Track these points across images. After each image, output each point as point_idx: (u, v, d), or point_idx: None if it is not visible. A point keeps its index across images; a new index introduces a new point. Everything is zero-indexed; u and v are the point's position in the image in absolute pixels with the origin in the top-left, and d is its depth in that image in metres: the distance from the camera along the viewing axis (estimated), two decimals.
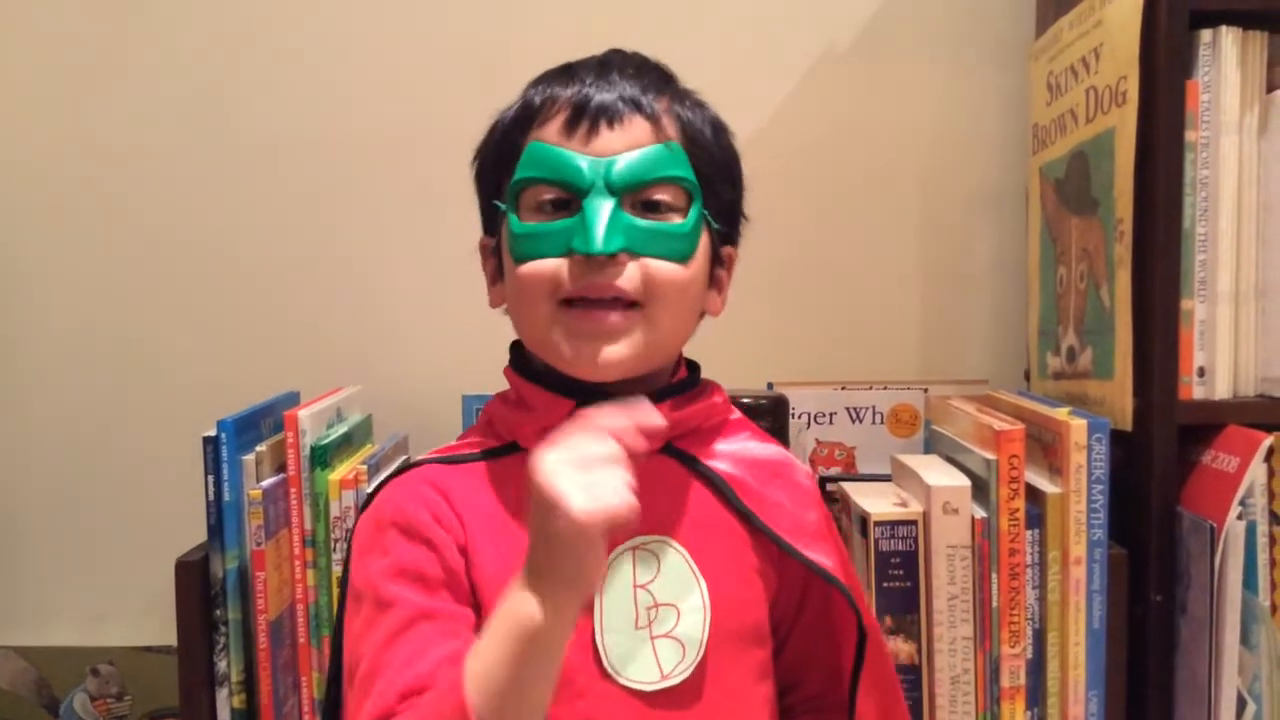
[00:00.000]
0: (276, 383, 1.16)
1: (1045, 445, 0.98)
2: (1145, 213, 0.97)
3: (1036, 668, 0.95)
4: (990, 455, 0.94)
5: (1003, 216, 1.32)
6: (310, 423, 1.03)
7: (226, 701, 1.00)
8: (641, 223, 0.75)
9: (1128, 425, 0.99)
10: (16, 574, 1.36)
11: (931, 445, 1.13)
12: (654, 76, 0.80)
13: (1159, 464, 0.97)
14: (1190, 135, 0.97)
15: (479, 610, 0.74)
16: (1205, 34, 0.97)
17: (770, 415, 1.05)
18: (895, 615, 0.94)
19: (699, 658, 0.76)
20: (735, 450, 0.83)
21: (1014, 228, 1.30)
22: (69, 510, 1.36)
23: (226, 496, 0.99)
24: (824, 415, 1.19)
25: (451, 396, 1.20)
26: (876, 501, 0.97)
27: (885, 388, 1.21)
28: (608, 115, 0.76)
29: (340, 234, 1.33)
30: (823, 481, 1.08)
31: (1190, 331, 0.98)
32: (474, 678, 0.63)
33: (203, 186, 1.33)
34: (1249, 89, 0.98)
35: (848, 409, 1.19)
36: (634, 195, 0.76)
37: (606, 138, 0.76)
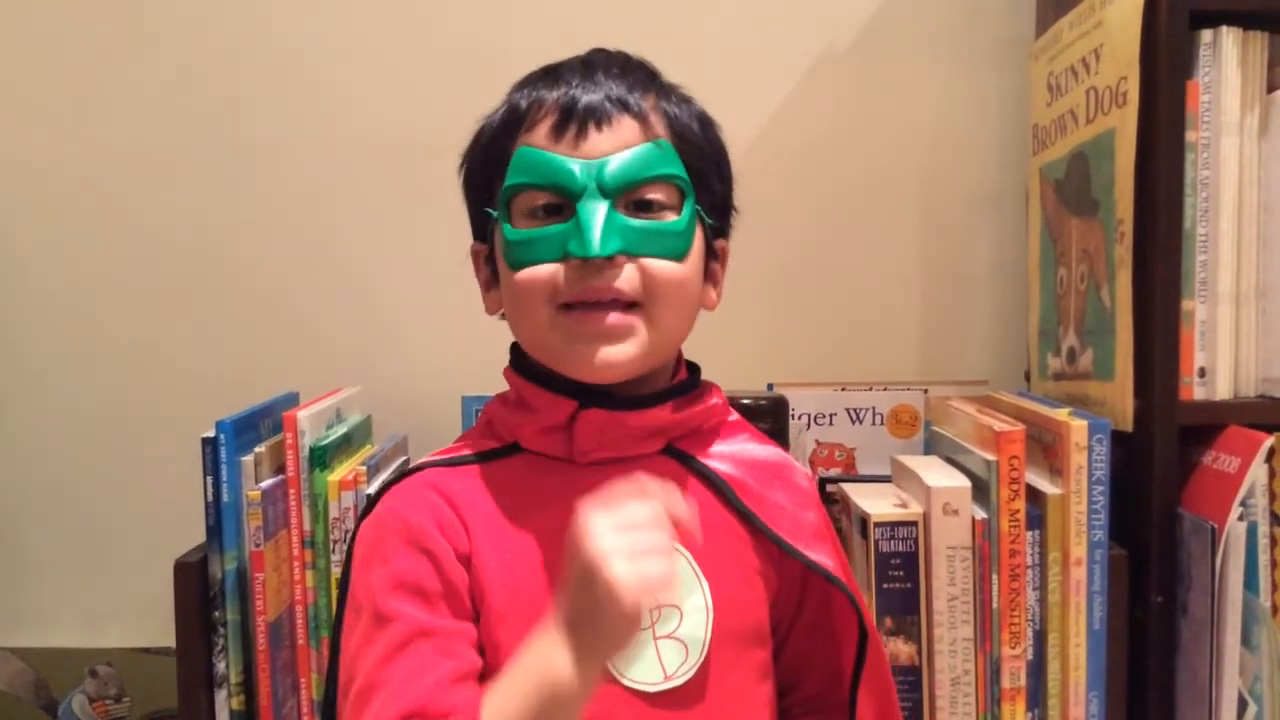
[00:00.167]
0: (276, 383, 1.16)
1: (1046, 446, 0.98)
2: (1146, 213, 0.97)
3: (1037, 669, 0.95)
4: (990, 456, 0.94)
5: (1003, 217, 1.32)
6: (309, 423, 1.02)
7: (225, 703, 1.00)
8: (636, 223, 0.75)
9: (1128, 426, 0.99)
10: (15, 575, 1.36)
11: (931, 446, 1.13)
12: (639, 74, 0.80)
13: (1160, 465, 0.97)
14: (1191, 136, 0.97)
15: (480, 614, 0.74)
16: (1206, 34, 0.97)
17: (770, 416, 1.05)
18: (895, 616, 0.94)
19: (702, 658, 0.76)
20: (734, 452, 0.83)
21: (1014, 228, 1.30)
22: (67, 511, 1.35)
23: (225, 497, 0.99)
24: (824, 416, 1.19)
25: (451, 397, 1.20)
26: (876, 503, 0.97)
27: (885, 388, 1.21)
28: (595, 117, 0.75)
29: (340, 234, 1.33)
30: (823, 482, 1.08)
31: (1191, 332, 0.98)
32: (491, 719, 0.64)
33: (202, 187, 1.33)
34: (1249, 89, 0.97)
35: (848, 410, 1.19)
36: (627, 196, 0.76)
37: (596, 139, 0.75)
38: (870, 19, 1.32)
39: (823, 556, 0.80)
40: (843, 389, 1.21)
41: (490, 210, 0.79)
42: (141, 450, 1.33)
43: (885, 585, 0.93)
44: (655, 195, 0.76)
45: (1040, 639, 0.95)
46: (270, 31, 1.32)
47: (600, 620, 0.62)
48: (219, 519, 0.99)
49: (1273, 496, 0.94)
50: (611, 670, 0.73)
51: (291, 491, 1.02)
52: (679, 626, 0.76)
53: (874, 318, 1.34)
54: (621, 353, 0.75)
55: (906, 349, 1.34)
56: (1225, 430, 0.95)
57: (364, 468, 1.03)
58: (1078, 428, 0.94)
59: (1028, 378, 1.25)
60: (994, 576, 0.93)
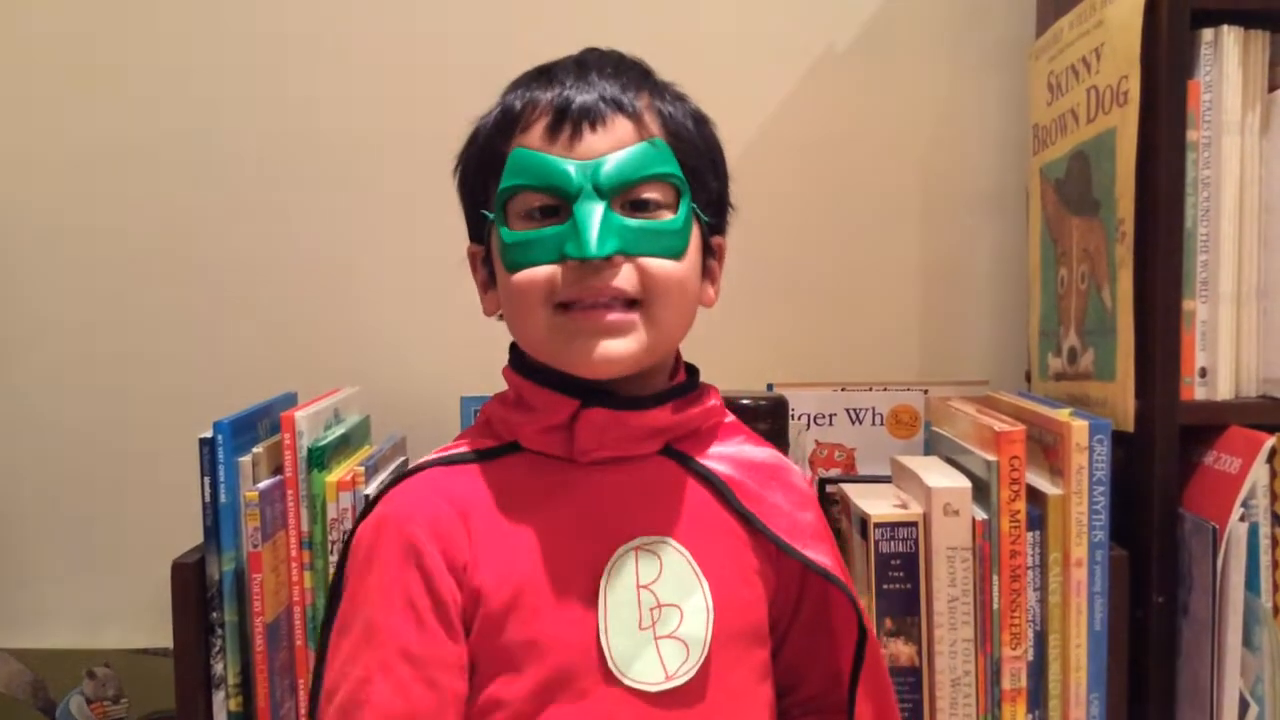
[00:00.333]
0: (274, 384, 1.16)
1: (1046, 446, 0.97)
2: (1146, 213, 0.97)
3: (1038, 670, 0.95)
4: (991, 456, 0.94)
5: (1003, 216, 1.32)
6: (307, 424, 1.02)
7: (223, 704, 1.00)
8: (633, 223, 0.75)
9: (1129, 426, 0.98)
10: (12, 576, 1.36)
11: (931, 446, 1.13)
12: (632, 74, 0.79)
13: (1160, 465, 0.97)
14: (1192, 135, 0.97)
15: (480, 614, 0.74)
16: (1207, 33, 0.96)
17: (770, 416, 1.05)
18: (895, 617, 0.93)
19: (703, 658, 0.75)
20: (732, 453, 0.83)
21: (1014, 228, 1.30)
22: (65, 511, 1.35)
23: (223, 498, 0.99)
24: (824, 416, 1.19)
25: (450, 398, 1.19)
26: (876, 503, 0.96)
27: (885, 389, 1.21)
28: (590, 117, 0.75)
29: (338, 235, 1.33)
30: (822, 483, 1.08)
31: (1192, 332, 0.98)
32: None
33: (201, 187, 1.33)
34: (1250, 88, 0.97)
35: (847, 410, 1.19)
36: (623, 196, 0.75)
37: (590, 140, 0.75)
38: (870, 19, 1.31)
39: (821, 556, 0.79)
40: (842, 389, 1.20)
41: (486, 212, 0.79)
42: (139, 450, 1.33)
43: (885, 586, 0.93)
44: (651, 194, 0.76)
45: (1041, 640, 0.95)
46: (270, 31, 1.32)
47: None
48: (217, 520, 0.99)
49: (1274, 497, 0.94)
50: (613, 670, 0.73)
51: (289, 492, 1.01)
52: (680, 626, 0.76)
53: (874, 318, 1.34)
54: (622, 348, 0.75)
55: (906, 349, 1.34)
56: (1226, 430, 0.95)
57: (362, 468, 1.02)
58: (1078, 428, 0.93)
59: (1028, 378, 1.25)
60: (994, 577, 0.93)
